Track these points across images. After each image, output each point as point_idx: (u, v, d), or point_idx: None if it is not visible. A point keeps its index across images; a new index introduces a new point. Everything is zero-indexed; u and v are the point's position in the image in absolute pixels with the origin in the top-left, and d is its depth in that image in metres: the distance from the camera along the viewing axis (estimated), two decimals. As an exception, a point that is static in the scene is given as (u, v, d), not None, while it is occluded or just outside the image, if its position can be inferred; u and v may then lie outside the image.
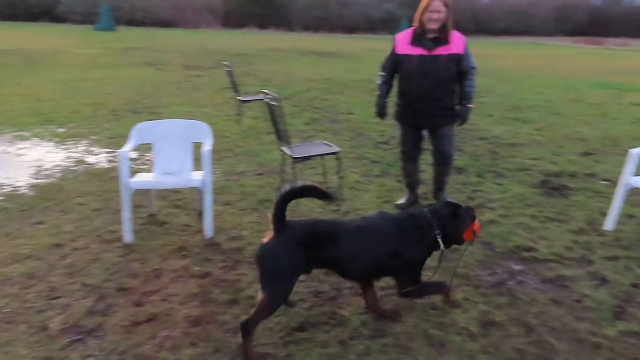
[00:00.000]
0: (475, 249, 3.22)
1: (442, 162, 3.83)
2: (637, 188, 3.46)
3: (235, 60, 16.16)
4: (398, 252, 2.26)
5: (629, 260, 3.11)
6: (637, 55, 26.27)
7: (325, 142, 4.25)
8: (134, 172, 3.68)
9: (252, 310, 2.13)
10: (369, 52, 22.26)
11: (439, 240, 2.29)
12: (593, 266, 3.02)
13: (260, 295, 2.10)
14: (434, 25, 3.36)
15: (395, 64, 3.58)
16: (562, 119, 7.82)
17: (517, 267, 3.00)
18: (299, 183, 2.14)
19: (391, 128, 6.74)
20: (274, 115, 3.88)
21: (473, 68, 3.55)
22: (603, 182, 4.66)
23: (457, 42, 3.46)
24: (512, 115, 8.04)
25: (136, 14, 39.52)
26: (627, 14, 52.75)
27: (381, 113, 3.79)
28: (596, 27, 50.27)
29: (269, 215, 2.13)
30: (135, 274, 2.85)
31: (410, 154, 3.86)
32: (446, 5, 3.33)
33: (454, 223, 2.34)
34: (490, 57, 20.77)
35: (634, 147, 3.58)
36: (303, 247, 2.13)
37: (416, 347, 2.25)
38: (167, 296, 2.63)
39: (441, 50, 3.42)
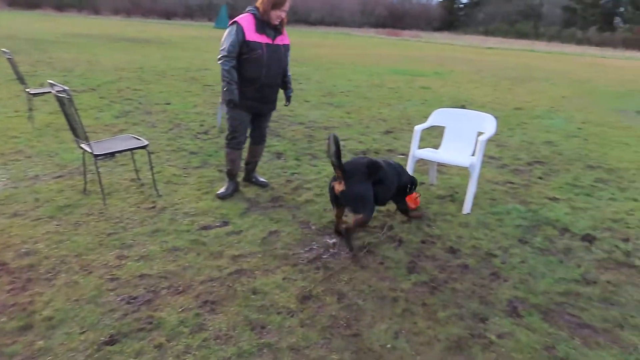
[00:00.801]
0: (293, 229, 3.37)
1: (262, 142, 4.04)
2: (421, 159, 4.03)
3: (25, 46, 13.86)
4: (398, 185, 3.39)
5: (421, 220, 3.61)
6: (425, 45, 30.66)
7: (133, 135, 3.92)
8: None
9: (351, 223, 3.05)
10: (188, 39, 21.41)
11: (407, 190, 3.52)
12: (393, 231, 3.43)
13: (355, 217, 3.01)
14: (278, 22, 3.52)
15: (241, 50, 3.48)
16: (368, 102, 8.68)
17: (331, 241, 3.23)
18: (333, 137, 2.84)
19: (211, 117, 6.61)
20: (65, 109, 3.42)
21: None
22: (399, 156, 5.33)
23: (286, 35, 3.68)
24: (326, 100, 8.61)
25: None
26: (417, 10, 61.17)
27: (237, 100, 3.57)
28: (394, 20, 57.12)
29: (338, 171, 2.96)
30: None
31: (241, 140, 3.83)
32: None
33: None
34: (308, 46, 21.91)
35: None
36: (370, 180, 3.07)
37: (237, 334, 2.25)
38: None
39: (279, 41, 3.61)
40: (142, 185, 4.01)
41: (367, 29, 51.38)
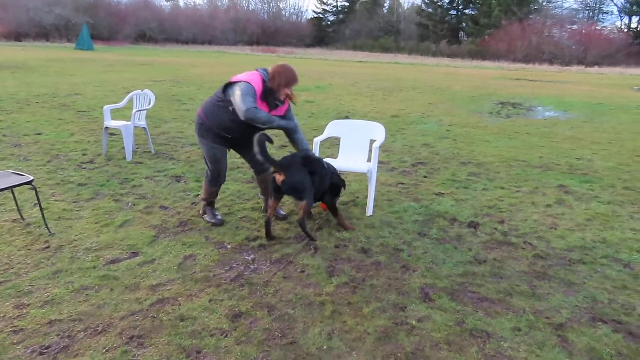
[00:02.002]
0: (208, 250, 3.33)
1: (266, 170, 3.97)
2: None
3: None
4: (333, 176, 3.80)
5: (331, 228, 3.81)
6: (301, 61, 31.76)
7: (13, 171, 3.53)
8: None
9: (300, 213, 3.42)
10: (47, 62, 19.48)
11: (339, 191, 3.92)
12: (306, 239, 3.56)
13: (300, 204, 3.41)
14: (284, 97, 3.52)
15: None
16: (257, 118, 8.77)
17: (249, 257, 3.26)
18: (257, 138, 3.26)
19: (94, 145, 6.15)
20: None
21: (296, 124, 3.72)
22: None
23: (285, 104, 3.62)
24: (215, 119, 8.51)
25: None
26: (289, 27, 63.07)
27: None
28: (267, 37, 58.21)
29: (272, 168, 3.43)
30: None
31: (224, 176, 3.83)
32: None
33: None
34: (185, 66, 21.35)
35: (315, 136, 4.37)
36: (306, 169, 3.45)
37: (173, 364, 2.18)
38: None
39: (277, 112, 3.56)
40: (28, 225, 3.62)
41: (242, 46, 51.61)
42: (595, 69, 33.50)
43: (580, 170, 5.87)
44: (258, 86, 3.41)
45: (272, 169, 3.50)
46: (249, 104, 3.27)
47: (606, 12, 53.52)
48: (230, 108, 3.43)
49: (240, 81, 3.40)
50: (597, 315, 2.70)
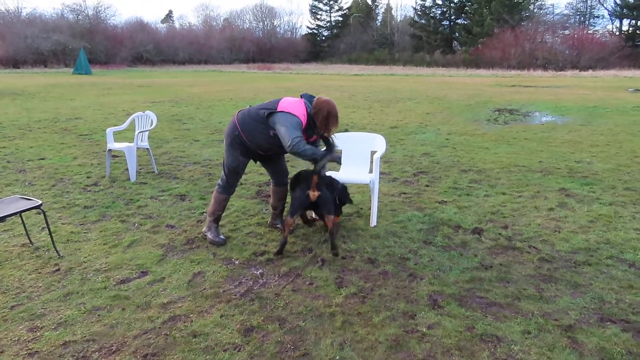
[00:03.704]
0: (217, 267, 3.36)
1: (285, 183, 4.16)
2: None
3: None
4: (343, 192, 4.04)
5: (337, 240, 3.82)
6: (297, 76, 32.08)
7: (21, 196, 3.58)
8: None
9: (330, 229, 3.55)
10: (47, 88, 19.67)
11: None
12: (313, 252, 3.60)
13: (328, 218, 3.56)
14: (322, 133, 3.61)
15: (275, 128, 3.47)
16: (257, 135, 8.85)
17: (258, 272, 3.29)
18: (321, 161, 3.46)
19: (97, 168, 6.21)
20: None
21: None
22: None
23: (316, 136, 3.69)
24: (216, 137, 8.60)
25: None
26: (284, 44, 63.72)
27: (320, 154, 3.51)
28: (263, 54, 58.80)
29: (315, 178, 3.46)
30: None
31: (235, 186, 3.92)
32: None
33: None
34: (181, 86, 21.54)
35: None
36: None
37: (189, 380, 2.20)
38: None
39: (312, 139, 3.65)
40: (37, 249, 3.65)
41: (238, 64, 52.12)
42: (590, 72, 33.78)
43: (581, 173, 5.92)
44: (304, 119, 3.48)
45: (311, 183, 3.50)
46: (295, 138, 3.34)
47: (597, 16, 54.21)
48: (272, 132, 3.49)
49: (287, 112, 3.43)
50: (606, 315, 2.73)
